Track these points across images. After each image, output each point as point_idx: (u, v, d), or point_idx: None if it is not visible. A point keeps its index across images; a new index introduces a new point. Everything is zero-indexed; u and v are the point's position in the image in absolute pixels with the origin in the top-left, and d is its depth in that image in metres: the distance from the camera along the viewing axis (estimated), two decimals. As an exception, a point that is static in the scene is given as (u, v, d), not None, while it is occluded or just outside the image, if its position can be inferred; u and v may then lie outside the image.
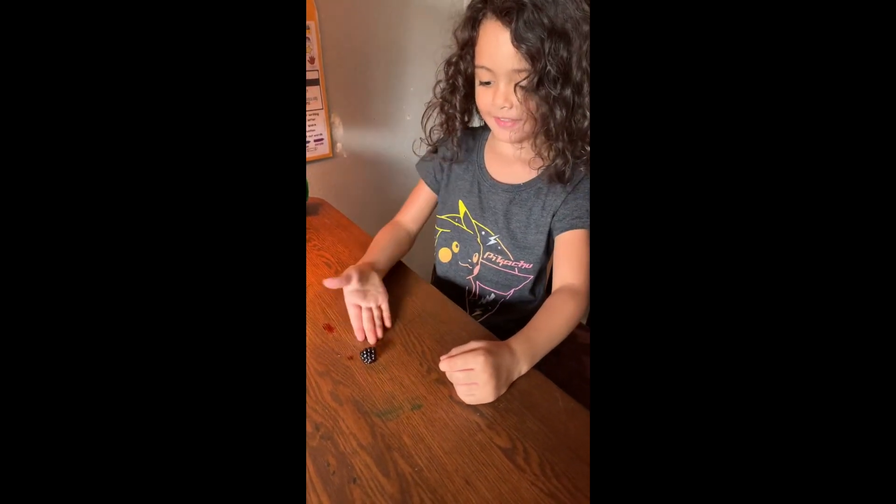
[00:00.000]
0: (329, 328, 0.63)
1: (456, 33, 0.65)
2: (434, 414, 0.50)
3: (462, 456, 0.46)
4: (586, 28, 0.56)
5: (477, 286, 0.77)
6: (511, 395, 0.52)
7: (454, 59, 0.67)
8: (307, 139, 1.16)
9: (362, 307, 0.62)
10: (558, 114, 0.59)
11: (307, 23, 1.05)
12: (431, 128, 0.75)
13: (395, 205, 0.86)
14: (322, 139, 1.18)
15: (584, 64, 0.57)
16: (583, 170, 0.67)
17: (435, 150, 0.78)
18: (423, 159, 0.81)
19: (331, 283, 0.61)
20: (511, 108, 0.60)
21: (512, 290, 0.75)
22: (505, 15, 0.56)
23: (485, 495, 0.42)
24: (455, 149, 0.74)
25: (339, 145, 1.23)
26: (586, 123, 0.61)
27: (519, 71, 0.58)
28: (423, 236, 0.84)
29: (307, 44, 1.07)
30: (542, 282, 0.77)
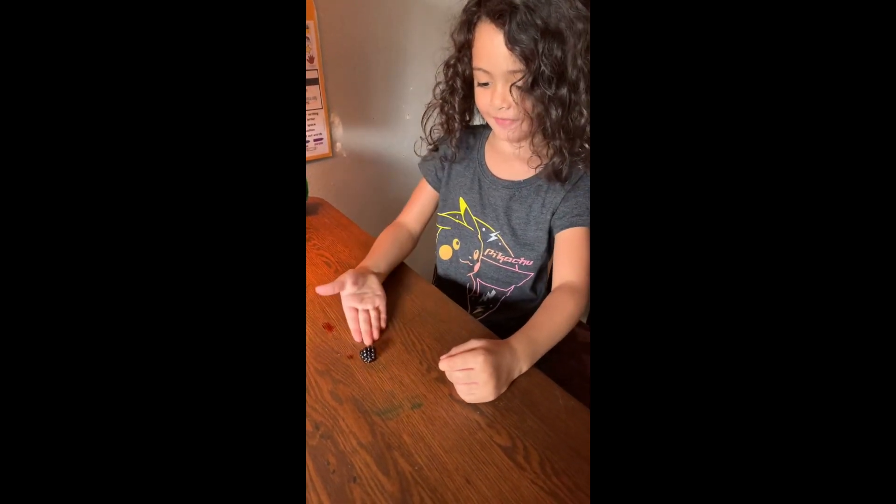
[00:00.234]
0: (329, 327, 0.63)
1: (453, 36, 0.66)
2: (434, 413, 0.50)
3: (462, 454, 0.46)
4: (580, 26, 0.56)
5: (478, 283, 0.77)
6: (511, 394, 0.52)
7: (452, 62, 0.68)
8: (307, 139, 1.15)
9: (359, 310, 0.62)
10: (554, 113, 0.60)
11: (306, 22, 1.05)
12: (431, 127, 0.76)
13: (394, 204, 0.86)
14: (321, 139, 1.18)
15: (580, 62, 0.57)
16: (581, 167, 0.67)
17: (436, 149, 0.79)
18: (424, 159, 0.81)
19: (323, 290, 0.62)
20: (509, 108, 0.61)
21: (512, 287, 0.75)
22: (498, 17, 0.57)
23: (485, 494, 0.42)
24: (454, 149, 0.75)
25: (338, 145, 1.22)
26: (583, 121, 0.61)
27: (514, 72, 0.59)
28: (425, 236, 0.84)
29: (306, 43, 1.07)
30: (543, 280, 0.77)
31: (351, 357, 0.58)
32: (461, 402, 0.51)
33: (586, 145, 0.64)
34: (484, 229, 0.75)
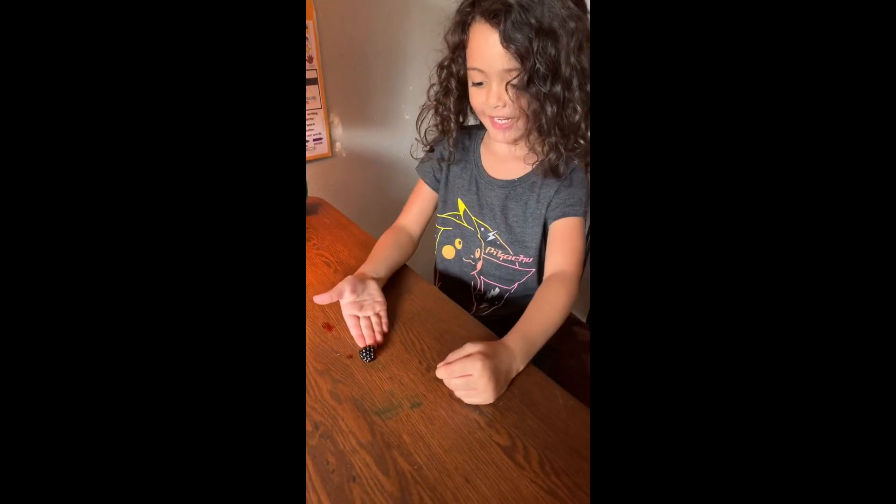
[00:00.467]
0: (328, 327, 0.63)
1: (446, 37, 0.66)
2: (433, 412, 0.50)
3: (462, 454, 0.46)
4: (572, 25, 0.57)
5: (481, 281, 0.78)
6: (511, 393, 0.52)
7: (446, 63, 0.69)
8: (306, 138, 1.15)
9: (360, 317, 0.62)
10: (549, 110, 0.61)
11: (306, 22, 1.05)
12: (426, 129, 0.77)
13: (394, 204, 0.86)
14: (321, 138, 1.18)
15: (573, 60, 0.59)
16: (576, 162, 0.68)
17: (432, 150, 0.79)
18: (421, 161, 0.82)
19: (321, 299, 0.62)
20: (504, 106, 0.62)
21: (516, 284, 0.76)
22: (493, 17, 0.58)
23: (484, 493, 0.42)
24: (451, 149, 0.75)
25: (338, 144, 1.22)
26: (577, 117, 0.62)
27: (509, 70, 0.59)
28: (425, 236, 0.84)
29: (305, 43, 1.07)
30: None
31: (350, 357, 0.58)
32: (461, 401, 0.51)
33: (581, 141, 0.65)
34: (483, 229, 0.76)
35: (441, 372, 0.51)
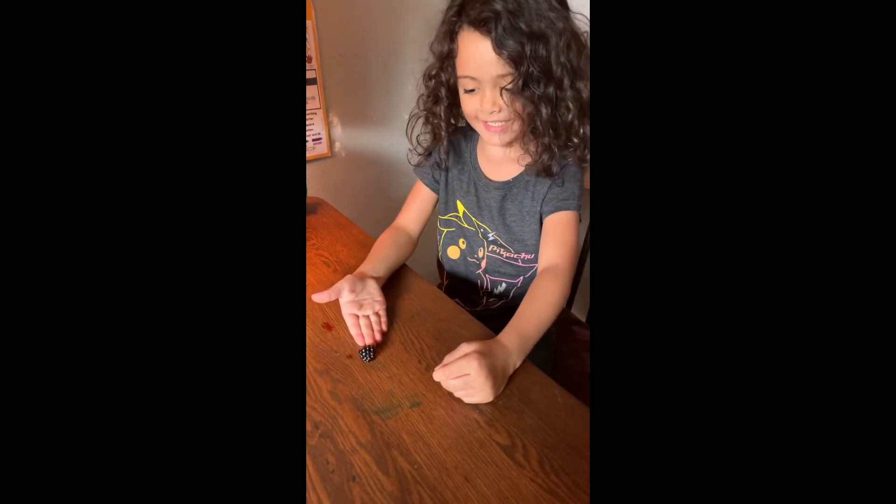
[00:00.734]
0: (328, 327, 0.63)
1: (432, 47, 0.67)
2: (433, 411, 0.50)
3: (461, 453, 0.46)
4: (560, 25, 0.59)
5: (487, 279, 0.79)
6: (510, 392, 0.52)
7: (433, 72, 0.69)
8: (305, 138, 1.15)
9: (359, 316, 0.62)
10: (544, 111, 0.62)
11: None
12: (418, 136, 0.77)
13: (394, 204, 0.86)
14: (320, 138, 1.18)
15: (563, 59, 0.60)
16: (570, 159, 0.69)
17: (429, 154, 0.80)
18: (419, 164, 0.82)
19: (319, 298, 0.63)
20: (500, 111, 0.63)
21: (521, 279, 0.77)
22: (483, 25, 0.58)
23: (484, 492, 0.42)
24: (444, 156, 0.76)
25: (337, 144, 1.23)
26: (570, 116, 0.63)
27: (503, 76, 0.60)
28: (424, 236, 0.84)
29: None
30: None
31: (350, 356, 0.58)
32: (460, 400, 0.51)
33: (574, 139, 0.65)
34: (483, 229, 0.77)
35: (438, 374, 0.51)
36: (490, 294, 0.80)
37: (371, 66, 1.21)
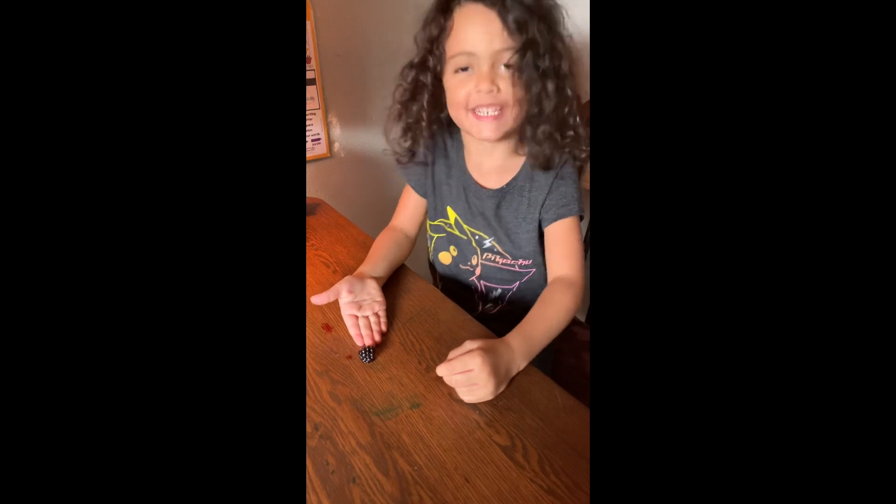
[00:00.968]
0: (327, 328, 0.63)
1: (416, 37, 0.65)
2: (433, 412, 0.50)
3: (461, 454, 0.46)
4: (559, 13, 0.59)
5: (482, 284, 0.77)
6: (510, 393, 0.52)
7: (417, 60, 0.65)
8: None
9: (358, 317, 0.62)
10: (550, 88, 0.59)
11: (303, 22, 1.05)
12: (399, 138, 0.72)
13: (393, 204, 0.86)
14: (319, 139, 1.18)
15: (560, 46, 0.59)
16: (565, 157, 0.66)
17: (412, 155, 0.74)
18: (404, 165, 0.77)
19: (318, 300, 0.62)
20: (498, 91, 0.58)
21: (517, 283, 0.75)
22: None
23: (484, 493, 0.42)
24: (426, 151, 0.72)
25: (336, 145, 1.22)
26: (569, 107, 0.62)
27: (505, 50, 0.57)
28: (422, 236, 0.84)
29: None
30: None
31: (349, 357, 0.58)
32: (460, 401, 0.51)
33: (571, 132, 0.63)
34: (477, 237, 0.74)
35: (442, 370, 0.51)
36: (486, 299, 0.78)
37: (370, 66, 1.21)
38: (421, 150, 0.72)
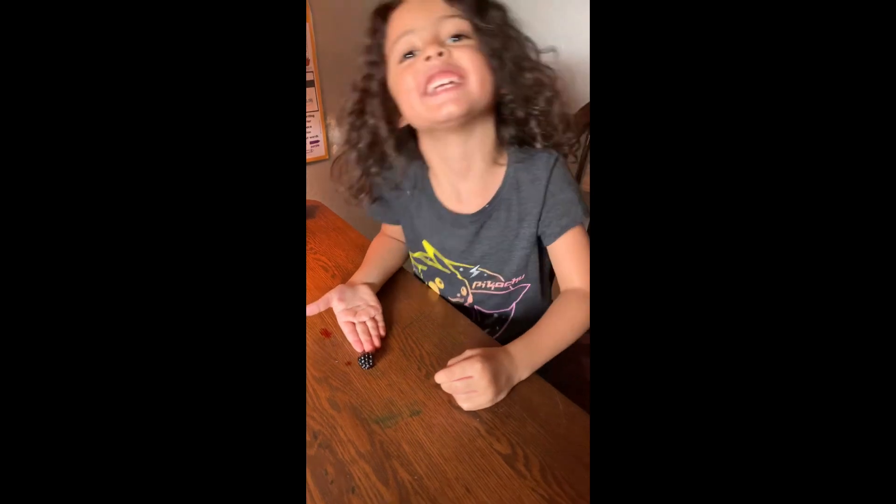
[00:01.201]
0: (326, 333, 0.63)
1: (362, 48, 0.60)
2: (433, 420, 0.50)
3: (462, 463, 0.45)
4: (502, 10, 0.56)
5: (476, 310, 0.72)
6: (511, 400, 0.52)
7: (361, 78, 0.60)
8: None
9: (355, 323, 0.61)
10: (506, 56, 0.54)
11: (301, 24, 1.04)
12: (355, 181, 0.65)
13: (391, 207, 0.85)
14: (318, 141, 1.17)
15: (513, 33, 0.56)
16: (537, 133, 0.60)
17: (374, 199, 0.69)
18: (369, 209, 0.71)
19: (310, 310, 0.61)
20: (448, 56, 0.51)
21: (513, 304, 0.70)
22: None
23: (486, 503, 0.42)
24: (393, 154, 0.62)
25: (335, 147, 1.22)
26: (532, 78, 0.56)
27: (448, 17, 0.52)
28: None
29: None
30: (548, 283, 0.72)
31: (349, 364, 0.58)
32: (460, 408, 0.51)
33: (536, 109, 0.58)
34: (462, 269, 0.67)
35: (440, 376, 0.50)
36: (483, 324, 0.71)
37: (369, 68, 1.20)
38: (378, 182, 0.65)
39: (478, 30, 0.53)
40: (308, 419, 0.50)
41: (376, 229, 0.81)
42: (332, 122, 1.19)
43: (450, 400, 0.52)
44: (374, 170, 0.64)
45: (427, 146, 0.62)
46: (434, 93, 0.51)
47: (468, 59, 0.52)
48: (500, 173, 0.62)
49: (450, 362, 0.52)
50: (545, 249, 0.65)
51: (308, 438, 0.48)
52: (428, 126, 0.57)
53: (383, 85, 0.58)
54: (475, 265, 0.66)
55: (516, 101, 0.57)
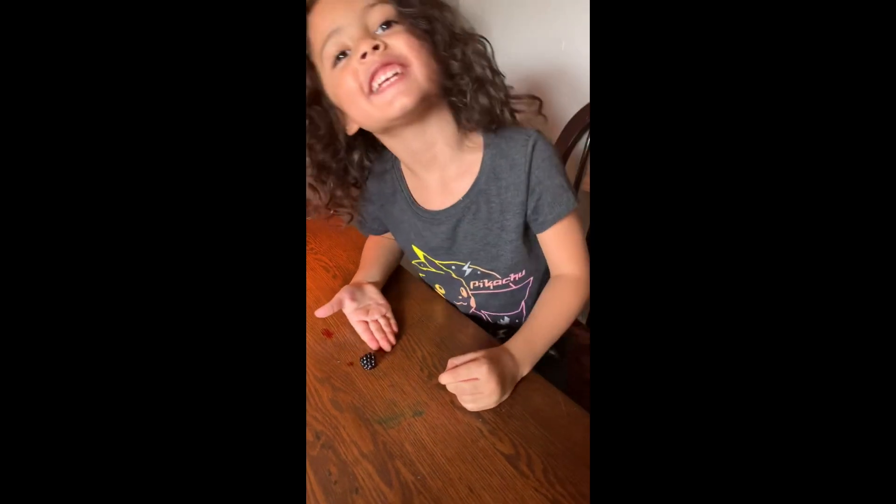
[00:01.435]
0: (328, 333, 0.63)
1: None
2: (436, 420, 0.50)
3: (465, 463, 0.45)
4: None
5: (485, 315, 0.71)
6: (513, 400, 0.52)
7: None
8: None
9: (368, 321, 0.61)
10: (436, 29, 0.50)
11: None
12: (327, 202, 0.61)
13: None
14: (318, 141, 1.17)
15: (435, 10, 0.51)
16: (527, 134, 0.56)
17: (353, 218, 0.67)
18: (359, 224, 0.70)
19: (322, 312, 0.61)
20: (386, 48, 0.47)
21: (522, 305, 0.69)
22: None
23: (489, 503, 0.42)
24: (362, 156, 0.61)
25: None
26: (484, 68, 0.53)
27: (374, 4, 0.48)
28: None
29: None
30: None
31: (351, 364, 0.58)
32: (462, 409, 0.51)
33: (478, 78, 0.54)
34: (454, 267, 0.65)
35: (446, 377, 0.50)
36: (495, 329, 0.71)
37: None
38: (346, 202, 0.62)
39: (403, 13, 0.49)
40: (311, 419, 0.50)
41: (377, 229, 0.81)
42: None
43: (452, 400, 0.52)
44: (339, 186, 0.60)
45: (388, 144, 0.58)
46: (380, 90, 0.47)
47: (405, 46, 0.48)
48: (474, 162, 0.57)
49: (453, 362, 0.52)
50: (535, 248, 0.63)
51: (311, 439, 0.48)
52: (383, 126, 0.52)
53: (317, 95, 0.54)
54: (465, 262, 0.64)
55: (461, 75, 0.53)
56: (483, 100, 0.53)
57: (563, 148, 0.92)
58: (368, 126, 0.54)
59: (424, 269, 0.69)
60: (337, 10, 0.48)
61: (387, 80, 0.47)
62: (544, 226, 0.58)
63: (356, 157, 0.60)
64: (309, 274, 0.76)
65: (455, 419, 0.50)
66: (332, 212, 0.63)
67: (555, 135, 0.98)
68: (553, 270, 0.63)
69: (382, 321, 0.61)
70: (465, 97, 0.53)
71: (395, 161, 0.62)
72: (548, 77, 1.17)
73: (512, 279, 0.65)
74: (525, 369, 0.54)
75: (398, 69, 0.47)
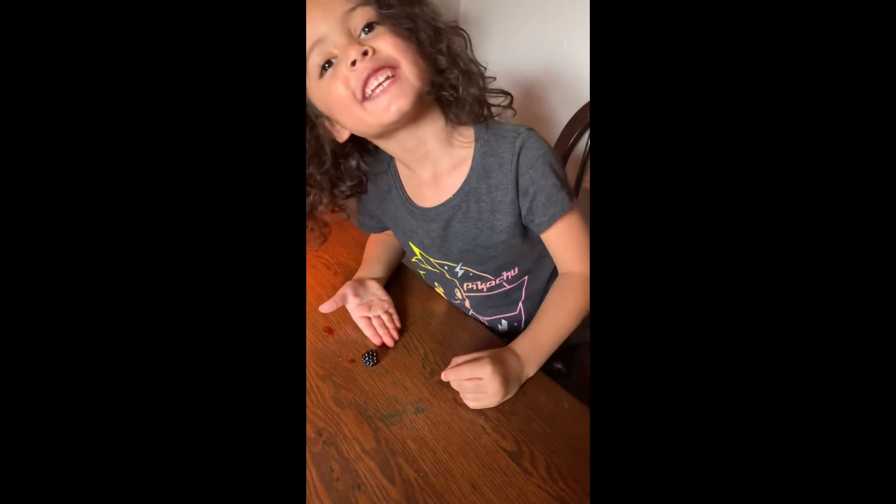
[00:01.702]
0: (329, 331, 0.63)
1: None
2: (438, 417, 0.50)
3: (468, 460, 0.45)
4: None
5: (484, 319, 0.70)
6: (516, 398, 0.52)
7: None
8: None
9: (371, 317, 0.61)
10: (423, 30, 0.50)
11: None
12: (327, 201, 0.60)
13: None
14: (318, 139, 1.17)
15: (415, 7, 0.51)
16: (518, 133, 0.55)
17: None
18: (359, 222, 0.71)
19: (326, 308, 0.61)
20: (374, 53, 0.46)
21: (520, 306, 0.68)
22: None
23: (492, 500, 0.42)
24: (358, 162, 0.60)
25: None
26: (456, 42, 0.52)
27: (352, 9, 0.47)
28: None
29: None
30: (548, 267, 0.67)
31: (352, 361, 0.58)
32: (465, 405, 0.51)
33: (464, 72, 0.53)
34: (446, 267, 0.64)
35: (449, 374, 0.50)
36: (498, 333, 0.68)
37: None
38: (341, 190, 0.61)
39: (384, 14, 0.48)
40: (313, 416, 0.50)
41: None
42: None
43: (455, 397, 0.52)
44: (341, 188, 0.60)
45: (382, 146, 0.58)
46: (373, 96, 0.47)
47: (392, 47, 0.47)
48: (466, 157, 0.57)
49: (456, 360, 0.52)
50: (529, 246, 0.63)
51: (313, 436, 0.48)
52: (378, 131, 0.51)
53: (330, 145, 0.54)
54: (457, 263, 0.63)
55: (449, 69, 0.52)
56: (473, 91, 0.53)
57: (563, 147, 0.92)
58: (363, 132, 0.53)
59: (422, 266, 0.69)
60: (316, 18, 0.46)
61: (379, 84, 0.46)
62: (542, 227, 0.57)
63: (353, 163, 0.59)
64: (310, 271, 0.76)
65: (457, 416, 0.50)
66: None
67: (554, 134, 0.98)
68: (559, 269, 0.63)
69: (385, 317, 0.61)
70: (457, 91, 0.53)
71: (390, 160, 0.62)
72: (548, 76, 1.17)
73: (505, 278, 0.64)
74: (531, 370, 0.54)
75: (389, 72, 0.46)
